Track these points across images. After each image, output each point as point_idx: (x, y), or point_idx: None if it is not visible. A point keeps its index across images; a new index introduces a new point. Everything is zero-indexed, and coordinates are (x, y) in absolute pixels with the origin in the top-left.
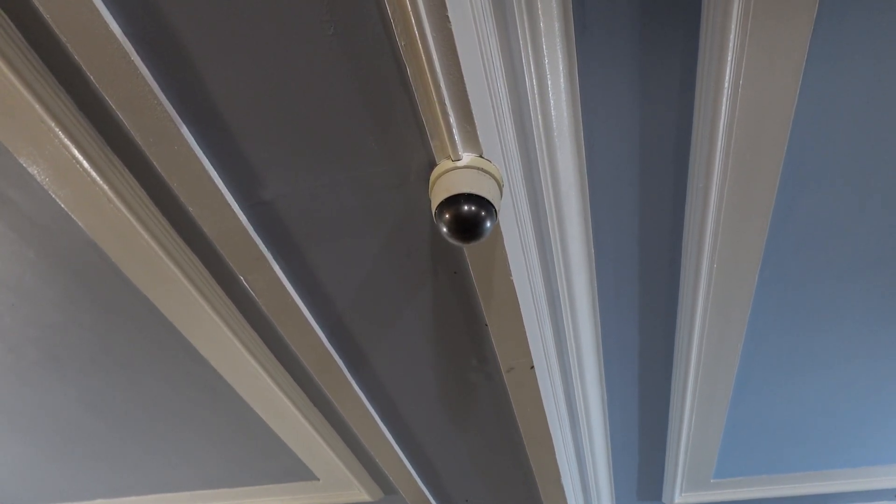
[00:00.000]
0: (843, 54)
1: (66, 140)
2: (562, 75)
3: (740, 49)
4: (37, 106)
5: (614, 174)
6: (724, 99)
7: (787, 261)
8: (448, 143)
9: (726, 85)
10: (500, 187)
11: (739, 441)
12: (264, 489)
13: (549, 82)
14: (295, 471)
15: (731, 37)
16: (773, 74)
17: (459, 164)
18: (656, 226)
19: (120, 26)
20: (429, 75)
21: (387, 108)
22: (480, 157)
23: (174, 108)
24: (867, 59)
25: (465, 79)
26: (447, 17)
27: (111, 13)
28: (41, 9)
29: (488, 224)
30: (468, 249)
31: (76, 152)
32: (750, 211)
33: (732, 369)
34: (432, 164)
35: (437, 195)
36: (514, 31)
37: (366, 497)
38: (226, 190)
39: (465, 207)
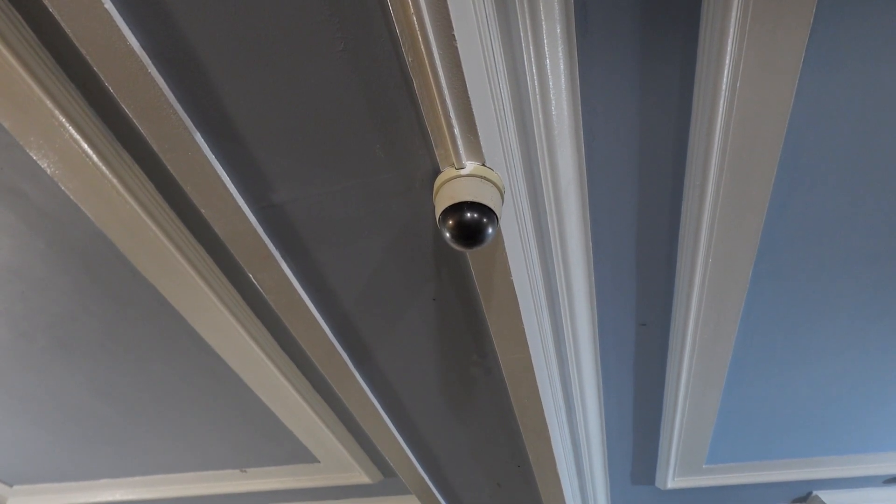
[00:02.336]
0: (839, 58)
1: (76, 134)
2: (563, 76)
3: (738, 52)
4: (47, 101)
5: (613, 171)
6: (722, 100)
7: (781, 257)
8: (452, 152)
9: (724, 86)
10: (502, 194)
11: (731, 428)
12: (267, 471)
13: (551, 83)
14: (297, 453)
15: (730, 40)
16: (770, 77)
17: (463, 172)
18: (654, 221)
19: (138, 41)
20: (434, 89)
21: (393, 118)
22: (483, 165)
23: (189, 117)
24: (862, 63)
25: (468, 92)
26: (453, 35)
27: (130, 29)
28: (64, 25)
29: (490, 231)
30: (470, 252)
31: (86, 146)
32: (745, 208)
33: (726, 360)
34: (436, 172)
35: (441, 203)
36: (516, 33)
37: (366, 479)
38: (237, 194)
39: (468, 215)
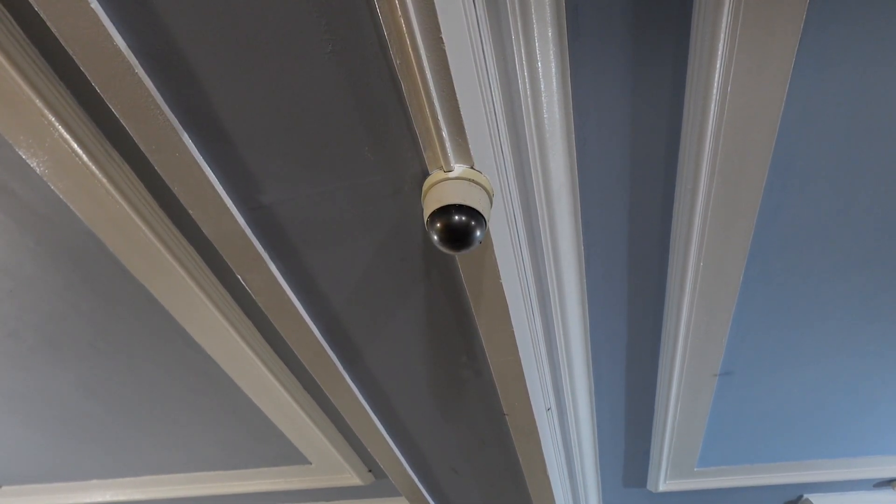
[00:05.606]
0: (830, 62)
1: (65, 133)
2: (555, 80)
3: (729, 56)
4: (37, 100)
5: (605, 175)
6: (713, 104)
7: (772, 260)
8: (440, 155)
9: (715, 90)
10: (491, 197)
11: (723, 431)
12: (258, 472)
13: (543, 86)
14: (288, 455)
15: (721, 44)
16: (760, 81)
17: (451, 175)
18: (645, 225)
19: (125, 41)
20: (422, 92)
21: (382, 120)
22: (472, 168)
23: (176, 117)
24: (852, 67)
25: (457, 95)
26: (441, 38)
27: (117, 29)
28: (49, 23)
29: (478, 234)
30: (459, 255)
31: (75, 145)
32: (736, 212)
33: (717, 363)
34: (425, 174)
35: (429, 205)
36: (508, 36)
37: (357, 481)
38: (226, 196)
39: (456, 218)
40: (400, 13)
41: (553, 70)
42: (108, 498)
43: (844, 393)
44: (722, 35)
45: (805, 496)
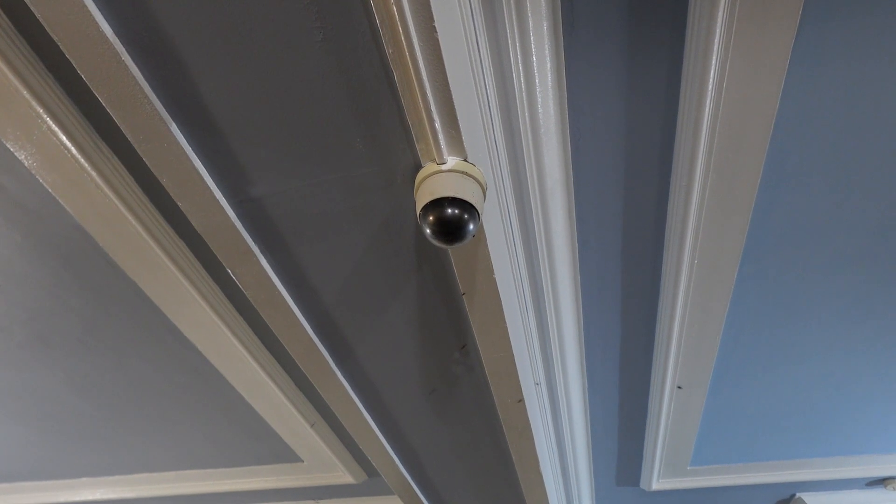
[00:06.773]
0: (825, 58)
1: (53, 126)
2: (549, 74)
3: (724, 52)
4: (24, 91)
5: (599, 171)
6: (708, 100)
7: (766, 257)
8: (433, 147)
9: (710, 86)
10: (484, 190)
11: (716, 430)
12: (249, 470)
13: (537, 80)
14: (280, 453)
15: (716, 40)
16: (756, 77)
17: (444, 167)
18: (640, 221)
19: (112, 28)
20: (415, 82)
21: (374, 111)
22: (465, 160)
23: (164, 107)
24: (848, 63)
25: (450, 85)
26: (434, 27)
27: (103, 15)
28: (34, 10)
29: (471, 227)
30: (452, 248)
31: (64, 138)
32: (731, 209)
33: (711, 360)
34: (418, 167)
35: (422, 198)
36: (502, 29)
37: (349, 479)
38: (215, 187)
39: (449, 211)
40: (392, 1)
41: (548, 63)
42: (98, 496)
43: (838, 391)
44: (718, 29)
45: (798, 495)
